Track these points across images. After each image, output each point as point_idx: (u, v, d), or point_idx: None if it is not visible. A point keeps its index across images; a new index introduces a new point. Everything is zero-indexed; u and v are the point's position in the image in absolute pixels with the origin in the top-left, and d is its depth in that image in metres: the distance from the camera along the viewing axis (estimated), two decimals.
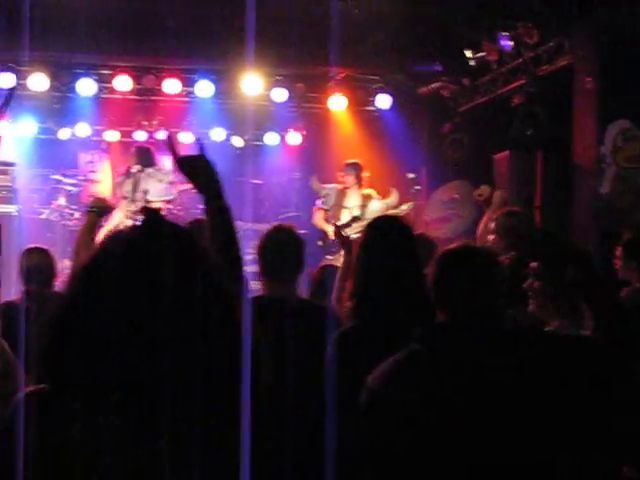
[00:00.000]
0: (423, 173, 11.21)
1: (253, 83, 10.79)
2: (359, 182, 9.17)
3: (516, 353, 2.16)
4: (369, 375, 2.28)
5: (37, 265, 4.70)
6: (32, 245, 5.09)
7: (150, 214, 1.35)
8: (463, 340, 2.22)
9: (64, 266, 10.15)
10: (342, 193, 9.20)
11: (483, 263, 2.35)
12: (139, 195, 9.24)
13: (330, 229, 9.01)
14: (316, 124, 12.07)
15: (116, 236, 1.37)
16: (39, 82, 10.47)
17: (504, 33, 8.51)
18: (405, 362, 2.24)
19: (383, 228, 3.14)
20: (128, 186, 9.47)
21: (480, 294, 2.29)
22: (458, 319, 2.27)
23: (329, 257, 8.64)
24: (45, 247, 5.12)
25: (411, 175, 9.64)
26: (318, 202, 9.45)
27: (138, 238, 1.34)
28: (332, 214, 9.18)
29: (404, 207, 9.18)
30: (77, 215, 10.89)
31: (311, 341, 2.98)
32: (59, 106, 11.48)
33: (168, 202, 9.58)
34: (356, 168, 9.20)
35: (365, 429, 2.26)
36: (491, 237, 4.84)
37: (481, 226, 6.53)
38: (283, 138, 12.30)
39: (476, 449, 2.07)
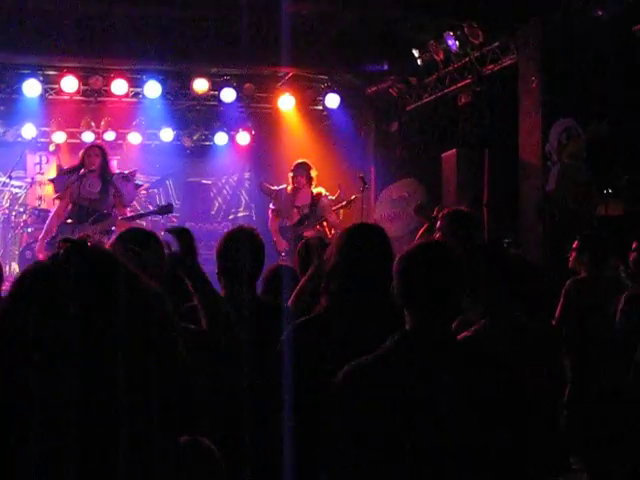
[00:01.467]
0: (371, 172, 11.31)
1: (201, 83, 10.78)
2: (309, 181, 9.24)
3: (464, 367, 2.28)
4: (332, 369, 2.32)
5: None
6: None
7: (70, 246, 1.32)
8: (429, 347, 2.29)
9: (12, 270, 10.06)
10: (292, 193, 9.25)
11: (450, 259, 2.41)
12: None
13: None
14: (265, 124, 12.10)
15: (33, 272, 1.32)
16: None
17: (450, 33, 8.62)
18: (376, 362, 2.30)
19: (360, 233, 3.17)
20: None
21: (449, 293, 2.36)
22: (426, 322, 2.32)
23: (282, 258, 8.69)
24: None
25: (360, 174, 9.72)
26: (271, 204, 9.49)
27: (52, 271, 1.30)
28: (284, 214, 9.24)
29: (352, 197, 9.33)
30: (24, 217, 10.77)
31: (272, 339, 3.01)
32: (4, 107, 11.32)
33: None
34: (305, 168, 9.26)
35: (330, 423, 2.30)
36: (437, 235, 4.91)
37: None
38: (232, 138, 12.31)
39: (430, 451, 2.18)
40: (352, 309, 2.90)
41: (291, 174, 9.28)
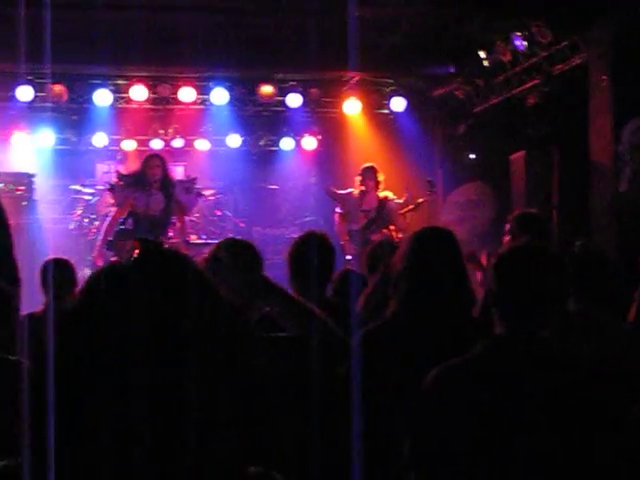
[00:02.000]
0: (439, 175, 11.22)
1: (268, 89, 10.85)
2: (376, 185, 9.22)
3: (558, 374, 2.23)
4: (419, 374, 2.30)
5: (58, 277, 4.76)
6: (53, 256, 5.15)
7: (145, 247, 1.32)
8: (525, 352, 2.25)
9: (84, 275, 10.24)
10: (360, 197, 9.24)
11: (550, 261, 2.35)
12: None
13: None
14: (331, 128, 12.10)
15: (107, 273, 1.32)
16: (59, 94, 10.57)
17: (518, 33, 8.51)
18: (468, 366, 2.27)
19: (429, 237, 3.13)
20: None
21: (548, 296, 2.31)
22: (522, 327, 2.28)
23: (349, 261, 8.69)
24: (65, 258, 5.17)
25: (427, 177, 9.66)
26: (338, 208, 9.50)
27: (129, 273, 1.28)
28: (351, 218, 9.23)
29: (419, 201, 9.27)
30: (95, 224, 10.98)
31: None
32: (77, 117, 11.58)
33: None
34: (373, 171, 9.25)
35: (417, 429, 2.28)
36: (506, 239, 4.84)
37: None
38: (298, 143, 12.34)
39: (519, 458, 2.13)
40: (420, 314, 2.86)
41: (358, 178, 9.27)
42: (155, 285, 1.23)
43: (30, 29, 6.07)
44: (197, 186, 9.12)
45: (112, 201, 9.10)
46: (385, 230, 8.97)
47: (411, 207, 9.31)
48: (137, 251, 1.30)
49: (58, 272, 4.83)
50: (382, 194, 9.24)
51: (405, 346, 2.80)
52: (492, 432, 2.15)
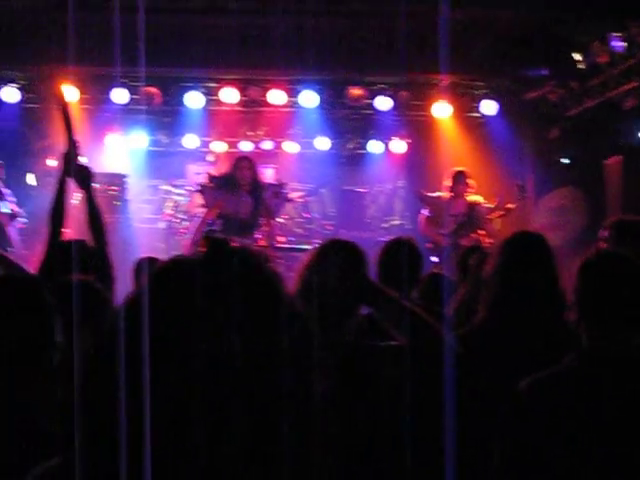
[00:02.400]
0: (530, 180, 11.01)
1: (356, 92, 10.83)
2: (465, 190, 9.11)
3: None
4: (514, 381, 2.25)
5: None
6: (145, 256, 5.22)
7: (214, 243, 1.29)
8: (615, 363, 2.17)
9: None
10: (449, 201, 9.14)
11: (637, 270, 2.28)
12: None
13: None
14: (420, 132, 12.00)
15: (174, 268, 1.30)
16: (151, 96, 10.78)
17: (615, 34, 8.27)
18: (559, 378, 2.20)
19: (520, 242, 3.06)
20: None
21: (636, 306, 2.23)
22: (610, 338, 2.20)
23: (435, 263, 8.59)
24: (157, 257, 5.24)
25: (518, 182, 9.47)
26: (424, 211, 9.41)
27: (194, 269, 1.25)
28: (439, 222, 9.13)
29: (510, 206, 9.10)
30: (185, 224, 11.16)
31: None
32: (169, 119, 11.79)
33: None
34: (462, 176, 9.14)
35: (508, 435, 2.23)
36: (602, 246, 4.68)
37: None
38: (387, 146, 12.29)
39: (614, 469, 2.06)
40: (511, 320, 2.79)
41: (448, 182, 9.17)
42: (219, 281, 1.22)
43: (124, 33, 6.19)
44: (286, 190, 9.16)
45: (202, 202, 9.22)
46: (474, 235, 8.84)
47: (501, 212, 9.15)
48: (205, 247, 1.29)
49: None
50: (472, 198, 9.12)
51: (495, 352, 2.74)
52: (586, 443, 2.09)
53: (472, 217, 8.97)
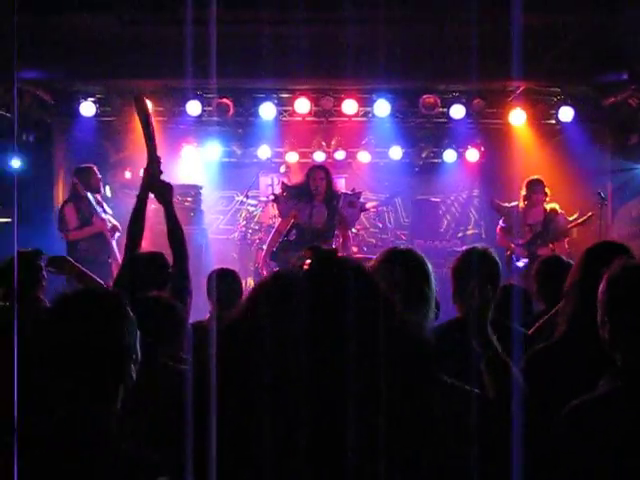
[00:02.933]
0: (609, 187, 10.74)
1: (429, 100, 10.73)
2: (542, 199, 8.93)
3: None
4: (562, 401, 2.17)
5: (224, 287, 4.83)
6: (221, 267, 5.24)
7: (318, 255, 1.26)
8: None
9: (248, 284, 10.48)
10: (525, 210, 8.97)
11: None
12: None
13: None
14: (495, 140, 11.84)
15: (276, 280, 1.27)
16: (224, 109, 10.88)
17: None
18: (600, 403, 2.12)
19: (602, 252, 2.95)
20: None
21: None
22: None
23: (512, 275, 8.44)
24: (231, 268, 5.26)
25: (597, 190, 9.25)
26: (501, 222, 9.26)
27: (299, 282, 1.23)
28: (515, 232, 8.96)
29: (589, 214, 8.89)
30: (259, 235, 11.22)
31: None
32: (242, 130, 11.88)
33: None
34: (539, 185, 8.96)
35: (559, 458, 2.15)
36: None
37: None
38: (461, 155, 12.15)
39: None
40: (592, 334, 2.68)
41: (524, 191, 9.01)
42: (328, 293, 1.18)
43: (197, 45, 6.25)
44: (361, 200, 9.11)
45: (276, 212, 9.25)
46: (552, 245, 8.65)
47: (580, 221, 8.94)
48: (308, 260, 1.25)
49: (224, 282, 4.91)
50: (549, 206, 8.94)
51: (574, 367, 2.64)
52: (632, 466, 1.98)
53: (549, 226, 8.79)
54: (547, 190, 8.99)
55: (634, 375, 2.14)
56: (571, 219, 8.94)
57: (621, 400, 2.10)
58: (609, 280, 2.25)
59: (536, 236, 8.80)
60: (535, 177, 9.12)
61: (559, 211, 8.92)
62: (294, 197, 8.61)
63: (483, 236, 12.02)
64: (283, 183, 9.44)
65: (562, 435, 2.13)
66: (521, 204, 9.05)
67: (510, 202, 9.27)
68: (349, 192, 9.13)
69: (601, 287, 2.28)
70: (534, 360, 2.75)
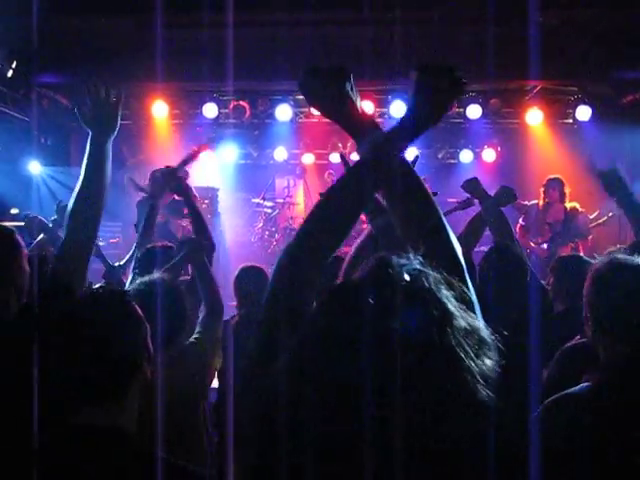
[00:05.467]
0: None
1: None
2: (562, 197, 8.89)
3: None
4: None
5: (252, 286, 4.77)
6: (249, 264, 5.19)
7: (379, 262, 1.22)
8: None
9: None
10: (544, 209, 8.93)
11: None
12: None
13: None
14: (511, 139, 11.80)
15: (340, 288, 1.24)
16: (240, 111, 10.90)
17: None
18: (588, 394, 2.11)
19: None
20: None
21: None
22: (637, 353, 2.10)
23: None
24: (260, 266, 5.19)
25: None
26: (520, 220, 9.21)
27: (362, 290, 1.18)
28: (534, 231, 8.92)
29: (609, 214, 8.84)
30: (276, 237, 11.23)
31: None
32: (258, 132, 11.90)
33: None
34: (558, 183, 8.91)
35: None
36: None
37: None
38: (478, 155, 12.11)
39: None
40: None
41: (542, 189, 8.96)
42: (389, 303, 1.14)
43: (213, 48, 6.28)
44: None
45: (293, 214, 9.22)
46: (572, 244, 8.60)
47: (600, 221, 8.89)
48: (372, 266, 1.22)
49: (253, 280, 4.85)
50: (569, 205, 8.89)
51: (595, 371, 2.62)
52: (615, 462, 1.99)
53: (570, 225, 8.73)
54: (567, 189, 8.94)
55: (615, 371, 2.13)
56: (591, 217, 8.89)
57: (603, 396, 2.10)
58: (592, 278, 2.25)
59: (556, 235, 8.75)
60: (554, 176, 9.08)
61: (580, 210, 8.87)
62: None
63: None
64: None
65: (540, 430, 2.12)
66: (540, 202, 9.00)
67: (529, 201, 9.23)
68: None
69: (585, 284, 2.28)
70: (562, 358, 2.74)
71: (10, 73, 8.36)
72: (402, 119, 1.80)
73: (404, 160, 1.80)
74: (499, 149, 12.00)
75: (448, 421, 1.10)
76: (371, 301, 1.14)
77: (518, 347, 3.08)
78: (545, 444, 2.05)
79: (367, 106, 10.86)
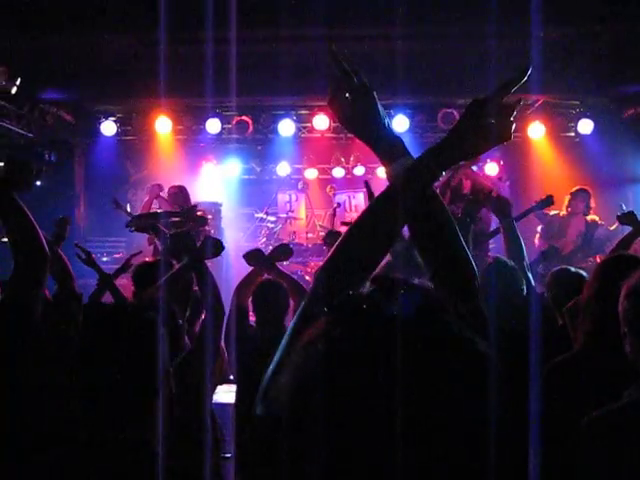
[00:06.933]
0: (630, 199, 10.67)
1: (451, 116, 10.72)
2: (587, 210, 8.83)
3: None
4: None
5: (273, 300, 4.73)
6: (267, 278, 5.12)
7: (385, 284, 1.22)
8: None
9: None
10: (566, 220, 8.87)
11: None
12: None
13: None
14: (514, 153, 11.80)
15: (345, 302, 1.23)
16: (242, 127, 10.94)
17: None
18: (632, 408, 2.09)
19: (617, 264, 2.91)
20: None
21: None
22: None
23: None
24: (279, 282, 5.12)
25: (622, 204, 9.17)
26: (539, 229, 9.15)
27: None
28: (553, 241, 8.84)
29: (614, 226, 8.79)
30: None
31: None
32: (261, 147, 11.93)
33: None
34: (582, 194, 8.85)
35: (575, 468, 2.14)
36: None
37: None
38: (481, 169, 12.11)
39: None
40: (606, 352, 2.63)
41: (568, 198, 8.90)
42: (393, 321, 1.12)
43: (216, 64, 6.30)
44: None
45: (294, 229, 9.20)
46: (592, 258, 8.48)
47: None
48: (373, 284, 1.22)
49: (272, 295, 4.79)
50: (590, 218, 8.84)
51: (591, 381, 2.61)
52: None
53: (590, 238, 8.66)
54: (593, 202, 8.89)
55: None
56: (612, 229, 8.82)
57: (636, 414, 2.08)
58: (628, 291, 2.22)
59: (577, 249, 8.67)
60: (580, 187, 9.03)
61: (599, 222, 8.81)
62: None
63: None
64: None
65: (584, 445, 2.11)
66: (563, 212, 8.93)
67: (551, 211, 9.17)
68: None
69: (621, 298, 2.25)
70: (553, 373, 2.72)
71: (14, 90, 8.39)
72: (443, 144, 1.70)
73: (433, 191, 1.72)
74: (501, 163, 12.01)
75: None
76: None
77: (508, 363, 3.09)
78: (591, 457, 2.05)
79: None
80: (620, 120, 10.78)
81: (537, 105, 10.83)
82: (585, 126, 10.81)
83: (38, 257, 2.86)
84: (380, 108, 1.76)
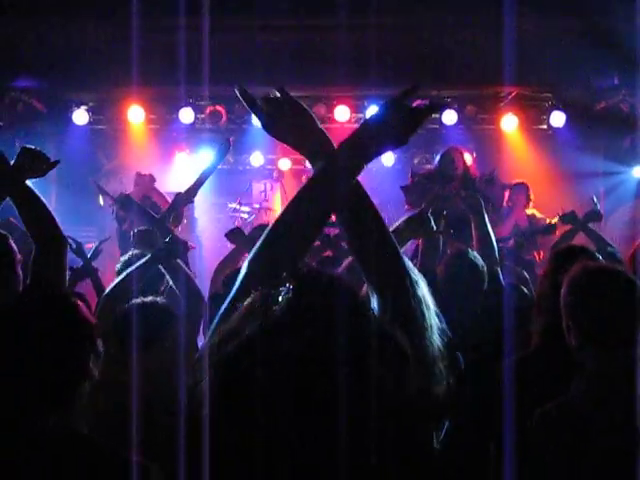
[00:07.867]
0: (601, 192, 10.76)
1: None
2: (527, 203, 8.90)
3: None
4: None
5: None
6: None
7: (300, 280, 1.25)
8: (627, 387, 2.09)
9: None
10: (507, 214, 8.93)
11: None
12: None
13: None
14: (487, 145, 11.84)
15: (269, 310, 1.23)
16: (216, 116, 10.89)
17: None
18: (565, 408, 2.13)
19: (567, 256, 2.92)
20: None
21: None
22: (619, 362, 2.12)
23: None
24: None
25: (593, 197, 9.25)
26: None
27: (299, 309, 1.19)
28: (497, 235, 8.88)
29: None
30: None
31: None
32: (235, 137, 11.87)
33: None
34: (521, 188, 8.93)
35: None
36: None
37: None
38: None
39: None
40: (560, 350, 2.60)
41: (507, 193, 8.97)
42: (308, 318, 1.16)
43: (189, 53, 6.26)
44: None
45: (269, 219, 9.14)
46: (536, 252, 8.56)
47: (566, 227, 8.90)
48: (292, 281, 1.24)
49: None
50: (530, 212, 8.90)
51: (547, 378, 2.61)
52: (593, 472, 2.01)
53: (530, 231, 8.72)
54: (531, 195, 8.95)
55: (604, 378, 2.13)
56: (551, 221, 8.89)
57: (593, 403, 2.11)
58: (569, 284, 2.24)
59: (519, 245, 8.73)
60: (519, 181, 9.11)
61: (539, 217, 8.86)
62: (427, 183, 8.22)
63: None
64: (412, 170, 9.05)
65: (534, 438, 2.13)
66: (505, 206, 9.01)
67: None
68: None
69: (562, 291, 2.26)
70: (510, 371, 2.72)
71: None
72: (361, 134, 1.72)
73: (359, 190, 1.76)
74: (474, 154, 12.05)
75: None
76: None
77: (472, 350, 3.11)
78: (541, 453, 2.07)
79: (343, 111, 10.88)
80: (592, 113, 10.85)
81: (510, 97, 10.87)
82: (557, 119, 10.87)
83: (57, 244, 2.94)
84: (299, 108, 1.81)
